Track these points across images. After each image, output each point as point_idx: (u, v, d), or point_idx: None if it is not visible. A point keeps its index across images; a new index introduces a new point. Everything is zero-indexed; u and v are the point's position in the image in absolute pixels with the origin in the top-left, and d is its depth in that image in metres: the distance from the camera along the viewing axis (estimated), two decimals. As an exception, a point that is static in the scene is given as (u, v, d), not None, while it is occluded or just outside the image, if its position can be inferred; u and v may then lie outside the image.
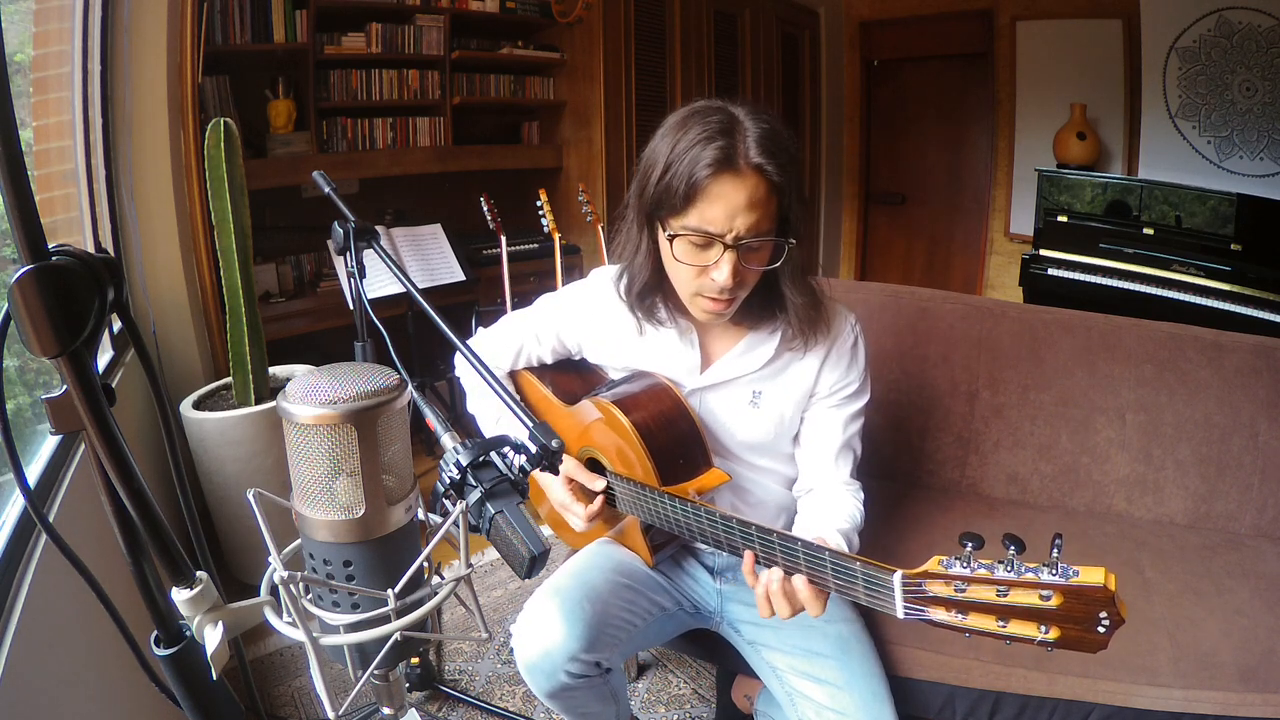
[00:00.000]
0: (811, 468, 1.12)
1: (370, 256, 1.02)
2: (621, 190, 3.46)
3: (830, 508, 1.07)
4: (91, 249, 0.77)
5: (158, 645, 0.57)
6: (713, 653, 1.28)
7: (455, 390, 2.73)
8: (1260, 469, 1.47)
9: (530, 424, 0.70)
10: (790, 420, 1.10)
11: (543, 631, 0.98)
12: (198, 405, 1.88)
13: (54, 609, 0.91)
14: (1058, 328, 1.61)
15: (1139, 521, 1.51)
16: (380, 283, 2.37)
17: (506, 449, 0.67)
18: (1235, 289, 2.98)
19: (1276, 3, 3.29)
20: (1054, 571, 0.63)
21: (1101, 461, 1.54)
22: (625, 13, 3.36)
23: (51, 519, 0.87)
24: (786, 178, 0.93)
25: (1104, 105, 3.79)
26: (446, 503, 0.66)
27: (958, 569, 0.67)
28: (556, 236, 2.77)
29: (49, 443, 1.17)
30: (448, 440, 0.67)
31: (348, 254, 1.02)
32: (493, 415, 1.17)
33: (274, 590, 0.62)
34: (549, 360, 1.24)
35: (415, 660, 1.55)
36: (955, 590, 0.67)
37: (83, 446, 0.96)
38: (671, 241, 0.96)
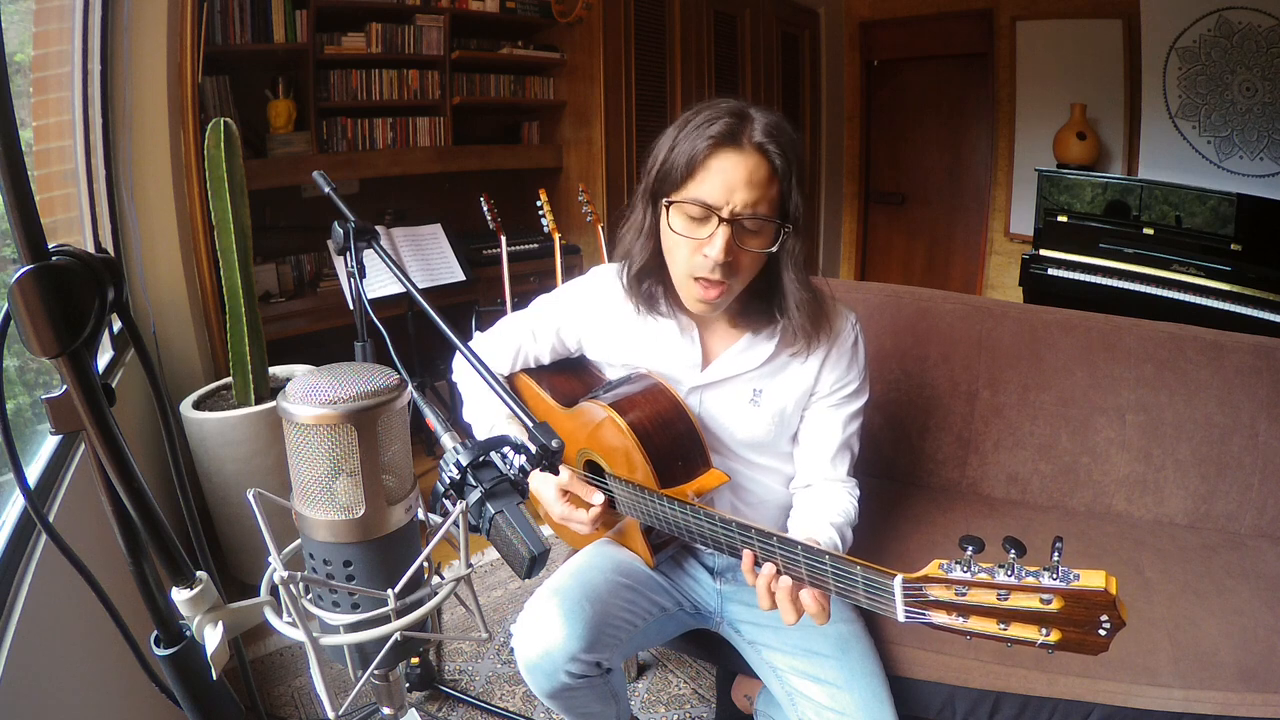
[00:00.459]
0: (809, 466, 1.12)
1: (370, 256, 1.02)
2: (622, 190, 3.47)
3: (824, 502, 1.07)
4: (91, 249, 0.77)
5: (158, 645, 0.57)
6: (713, 653, 1.28)
7: (455, 390, 2.73)
8: (1260, 469, 1.47)
9: (530, 424, 0.70)
10: (790, 419, 1.10)
11: (543, 631, 0.98)
12: (198, 405, 1.88)
13: (54, 609, 0.91)
14: (1058, 328, 1.61)
15: (1139, 521, 1.51)
16: (380, 283, 2.37)
17: (506, 449, 0.67)
18: (1235, 289, 2.98)
19: (1276, 3, 3.29)
20: (1055, 575, 0.63)
21: (1101, 461, 1.54)
22: (625, 13, 3.36)
23: (51, 519, 0.87)
24: (788, 164, 0.95)
25: (1104, 105, 3.80)
26: (446, 503, 0.66)
27: (958, 573, 0.67)
28: (556, 236, 2.77)
29: (49, 443, 1.17)
30: (448, 440, 0.67)
31: (348, 254, 1.02)
32: (488, 424, 1.16)
33: (274, 590, 0.62)
34: (547, 360, 1.24)
35: (415, 660, 1.55)
36: (956, 594, 0.67)
37: (83, 446, 0.96)
38: (669, 212, 0.97)
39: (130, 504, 0.53)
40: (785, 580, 0.84)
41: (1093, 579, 0.61)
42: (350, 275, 1.02)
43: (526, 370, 1.25)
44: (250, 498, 0.60)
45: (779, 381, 1.09)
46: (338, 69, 2.84)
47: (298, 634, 0.58)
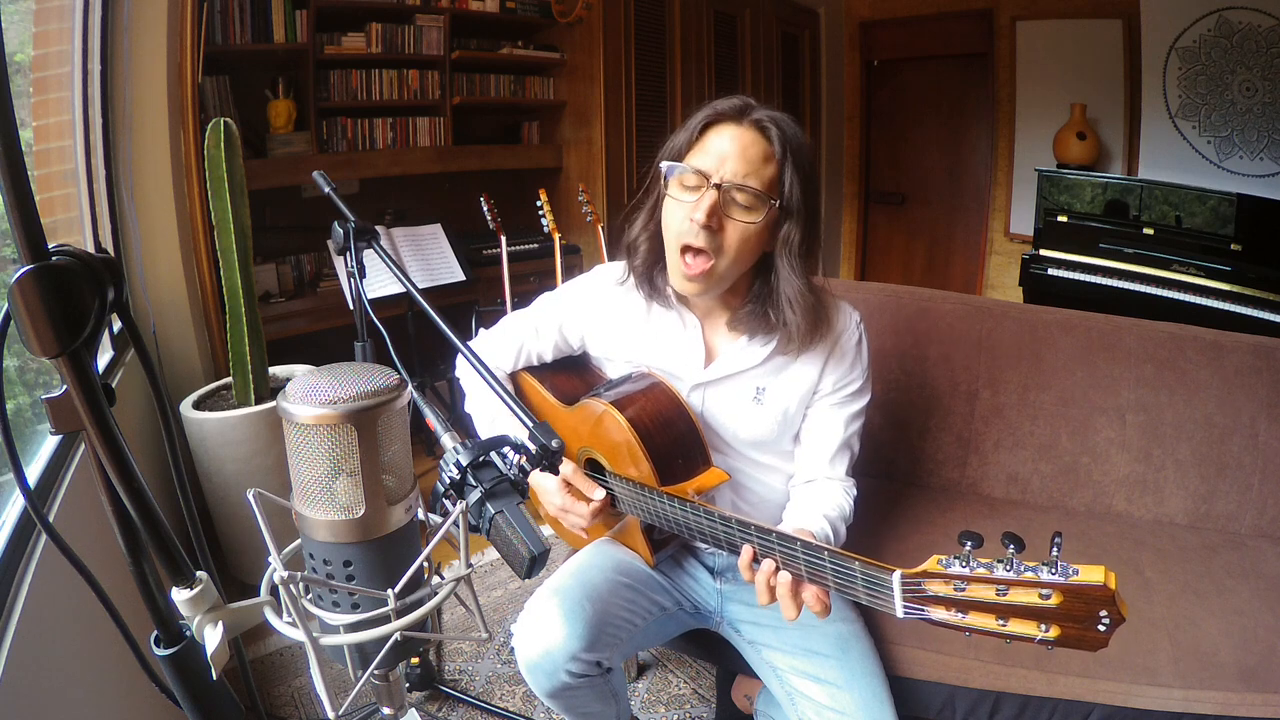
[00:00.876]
0: (808, 464, 1.12)
1: (370, 256, 1.02)
2: (622, 190, 3.47)
3: (819, 497, 1.07)
4: (91, 249, 0.77)
5: (158, 645, 0.57)
6: (713, 653, 1.28)
7: (455, 390, 2.73)
8: (1260, 469, 1.47)
9: (530, 424, 0.70)
10: (793, 417, 1.10)
11: (543, 631, 0.98)
12: (198, 405, 1.88)
13: (54, 609, 0.91)
14: (1058, 328, 1.61)
15: (1139, 521, 1.51)
16: (380, 283, 2.37)
17: (506, 449, 0.67)
18: (1235, 289, 2.98)
19: (1276, 3, 3.29)
20: (1054, 570, 0.63)
21: (1101, 461, 1.54)
22: (625, 13, 3.36)
23: (51, 519, 0.87)
24: (785, 148, 0.97)
25: (1104, 105, 3.80)
26: (446, 503, 0.66)
27: (957, 568, 0.67)
28: (556, 236, 2.77)
29: (49, 443, 1.17)
30: (448, 440, 0.67)
31: (348, 254, 1.02)
32: (490, 415, 1.17)
33: (274, 590, 0.62)
34: (550, 357, 1.24)
35: (415, 660, 1.55)
36: (955, 589, 0.67)
37: (83, 446, 0.96)
38: (669, 185, 1.00)
39: (130, 504, 0.53)
40: (785, 575, 0.84)
41: (1092, 574, 0.61)
42: (350, 275, 1.02)
43: (528, 369, 1.25)
44: (250, 498, 0.60)
45: (782, 380, 1.09)
46: (338, 69, 2.84)
47: (298, 634, 0.58)
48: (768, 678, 1.12)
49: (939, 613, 0.69)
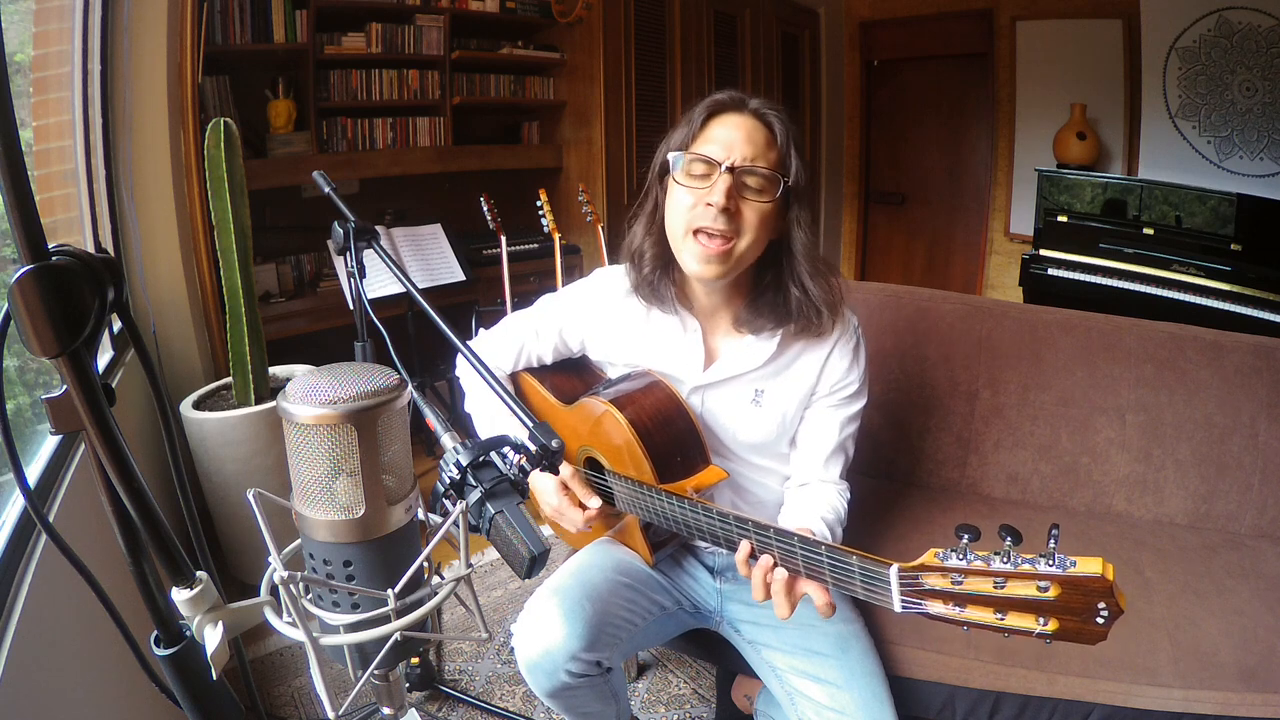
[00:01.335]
0: (803, 466, 1.12)
1: (370, 256, 1.02)
2: (622, 190, 3.47)
3: (814, 500, 1.08)
4: (91, 249, 0.77)
5: (158, 645, 0.57)
6: (712, 652, 1.28)
7: (455, 390, 2.73)
8: (1260, 469, 1.47)
9: (530, 424, 0.70)
10: (792, 420, 1.11)
11: (543, 631, 0.98)
12: (198, 405, 1.88)
13: (54, 609, 0.91)
14: (1058, 328, 1.61)
15: (1139, 521, 1.51)
16: (380, 283, 2.37)
17: (506, 449, 0.67)
18: (1235, 289, 2.98)
19: (1276, 3, 3.29)
20: (1051, 562, 0.63)
21: (1101, 461, 1.54)
22: (625, 13, 3.36)
23: (51, 519, 0.87)
24: (786, 132, 1.00)
25: (1104, 105, 3.79)
26: (446, 503, 0.66)
27: (954, 561, 0.67)
28: (556, 236, 2.77)
29: (49, 443, 1.17)
30: (448, 440, 0.67)
31: (348, 254, 1.02)
32: (489, 415, 1.17)
33: (274, 590, 0.62)
34: (549, 359, 1.24)
35: (415, 660, 1.55)
36: (952, 583, 0.67)
37: (83, 446, 0.96)
38: (673, 172, 1.01)
39: (130, 504, 0.53)
40: (780, 572, 0.84)
41: (1090, 565, 0.61)
42: (350, 275, 1.02)
43: (528, 369, 1.25)
44: (250, 498, 0.60)
45: (780, 382, 1.09)
46: (338, 69, 2.84)
47: (298, 634, 0.58)
48: (767, 678, 1.12)
49: (937, 607, 0.69)
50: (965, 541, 0.66)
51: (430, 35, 3.00)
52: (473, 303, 2.82)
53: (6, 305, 0.46)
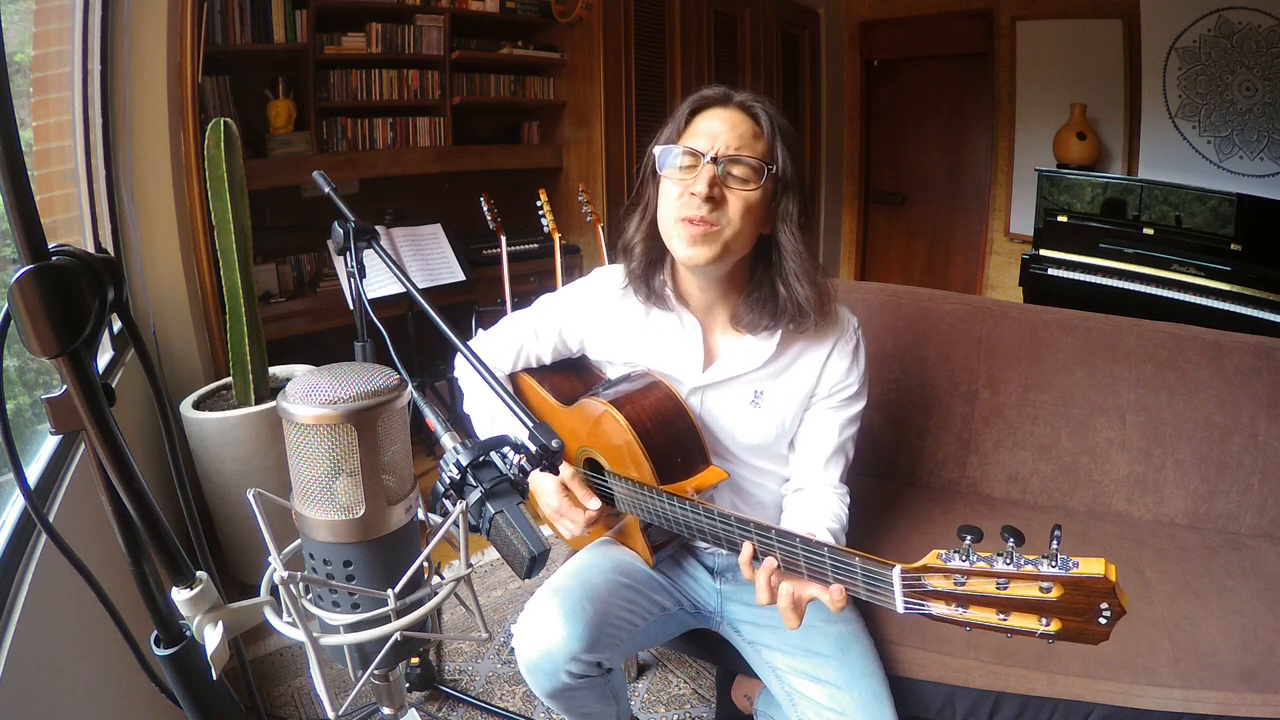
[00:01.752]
0: (802, 468, 1.12)
1: (370, 256, 1.02)
2: (622, 190, 3.47)
3: (817, 507, 1.07)
4: (91, 249, 0.77)
5: (158, 645, 0.57)
6: (712, 653, 1.28)
7: (455, 390, 2.73)
8: (1260, 469, 1.47)
9: (530, 424, 0.70)
10: (791, 421, 1.10)
11: (544, 631, 0.98)
12: (198, 405, 1.88)
13: (54, 609, 0.91)
14: (1058, 328, 1.61)
15: (1139, 521, 1.51)
16: (380, 283, 2.37)
17: (506, 449, 0.67)
18: (1235, 289, 2.98)
19: (1276, 3, 3.28)
20: (1054, 563, 0.63)
21: (1101, 461, 1.54)
22: (625, 13, 3.36)
23: (51, 519, 0.87)
24: (773, 125, 1.00)
25: (1104, 105, 3.79)
26: (446, 503, 0.66)
27: (957, 562, 0.67)
28: (556, 236, 2.77)
29: (49, 443, 1.17)
30: (448, 440, 0.67)
31: (348, 254, 1.02)
32: (489, 415, 1.17)
33: (274, 590, 0.62)
34: (549, 359, 1.24)
35: (415, 660, 1.55)
36: (955, 584, 0.67)
37: (83, 446, 0.96)
38: (661, 168, 1.01)
39: (130, 504, 0.53)
40: (785, 587, 0.84)
41: (1092, 566, 0.61)
42: (350, 275, 1.02)
43: (527, 370, 1.25)
44: (250, 498, 0.60)
45: (780, 383, 1.09)
46: (338, 69, 2.84)
47: (298, 634, 0.58)
48: (767, 678, 1.12)
49: (939, 608, 0.69)
50: (968, 543, 0.66)
51: (430, 35, 3.00)
52: (473, 303, 2.82)
53: (6, 305, 0.46)
